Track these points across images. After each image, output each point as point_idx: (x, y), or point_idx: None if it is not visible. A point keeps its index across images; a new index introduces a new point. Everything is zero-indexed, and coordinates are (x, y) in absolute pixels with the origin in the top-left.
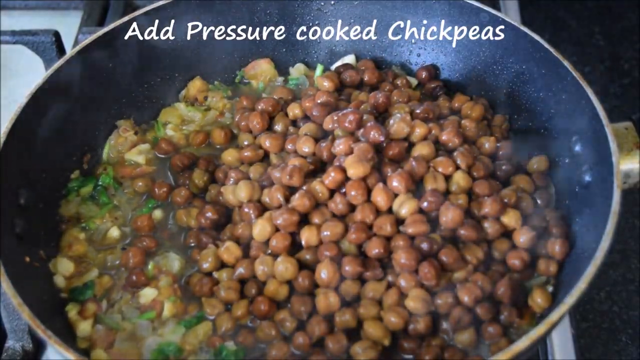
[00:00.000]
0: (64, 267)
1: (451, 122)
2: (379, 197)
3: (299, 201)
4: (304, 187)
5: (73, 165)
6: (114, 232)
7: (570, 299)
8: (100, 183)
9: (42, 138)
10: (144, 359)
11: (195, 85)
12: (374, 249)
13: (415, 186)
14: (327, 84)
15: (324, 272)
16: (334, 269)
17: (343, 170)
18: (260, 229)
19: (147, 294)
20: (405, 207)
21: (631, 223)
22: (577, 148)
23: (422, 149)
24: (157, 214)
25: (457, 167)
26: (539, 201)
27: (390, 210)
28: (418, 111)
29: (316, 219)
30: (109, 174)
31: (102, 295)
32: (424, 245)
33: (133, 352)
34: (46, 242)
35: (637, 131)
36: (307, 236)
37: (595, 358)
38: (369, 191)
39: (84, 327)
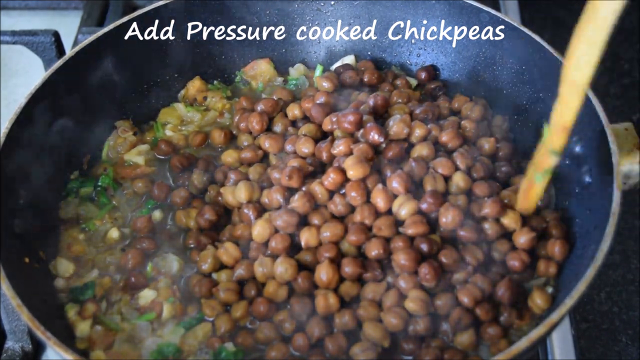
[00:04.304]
0: (63, 268)
1: (451, 123)
2: (379, 198)
3: (298, 202)
4: (303, 188)
5: (72, 165)
6: (114, 233)
7: (570, 300)
8: (99, 184)
9: (42, 138)
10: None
11: (195, 85)
12: (374, 250)
13: (415, 187)
14: (326, 85)
15: (323, 273)
16: (333, 270)
17: (342, 172)
18: (259, 230)
19: (146, 296)
20: (404, 208)
21: (631, 224)
22: (577, 149)
23: (421, 150)
24: (157, 214)
25: (457, 168)
26: (538, 202)
27: (389, 212)
28: (417, 112)
29: (316, 220)
30: (109, 175)
31: (101, 296)
32: (424, 246)
33: (132, 353)
34: (46, 242)
35: (637, 132)
36: (306, 237)
37: (595, 358)
38: (368, 192)
39: (82, 328)
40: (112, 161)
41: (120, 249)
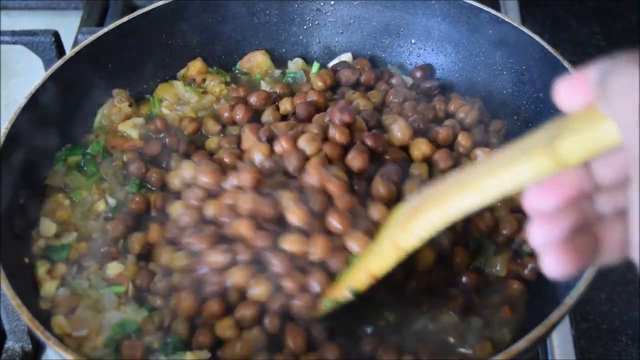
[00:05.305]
0: (46, 227)
1: (446, 129)
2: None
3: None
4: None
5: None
6: (101, 206)
7: (569, 300)
8: (89, 151)
9: (42, 138)
10: (103, 331)
11: (196, 66)
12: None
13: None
14: (319, 84)
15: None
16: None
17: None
18: (176, 209)
19: (114, 267)
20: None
21: None
22: None
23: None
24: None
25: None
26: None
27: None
28: (411, 119)
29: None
30: (100, 143)
31: (75, 260)
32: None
33: (93, 321)
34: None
35: None
36: (212, 209)
37: (595, 358)
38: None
39: (49, 287)
40: (105, 129)
41: (103, 218)
